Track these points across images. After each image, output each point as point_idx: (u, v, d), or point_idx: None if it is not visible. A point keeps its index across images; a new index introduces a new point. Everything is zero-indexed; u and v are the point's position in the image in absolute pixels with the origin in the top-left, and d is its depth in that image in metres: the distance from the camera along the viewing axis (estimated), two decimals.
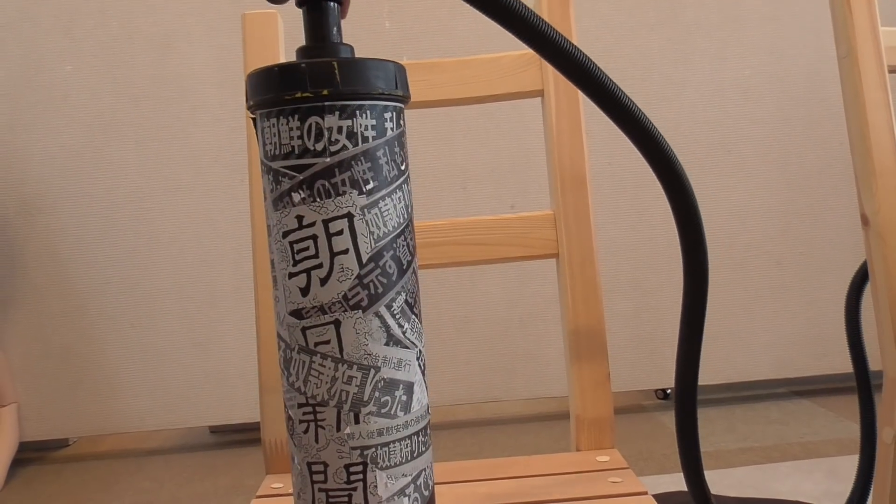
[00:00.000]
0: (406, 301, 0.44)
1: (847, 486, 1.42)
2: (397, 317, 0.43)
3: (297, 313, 0.43)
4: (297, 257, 0.42)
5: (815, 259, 1.95)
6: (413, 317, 0.45)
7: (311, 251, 0.42)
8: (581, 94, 0.72)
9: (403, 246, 0.44)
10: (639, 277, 1.90)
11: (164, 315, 1.87)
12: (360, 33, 1.82)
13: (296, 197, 0.42)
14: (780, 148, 1.92)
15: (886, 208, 0.70)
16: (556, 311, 0.73)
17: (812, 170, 1.93)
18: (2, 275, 1.85)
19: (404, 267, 0.44)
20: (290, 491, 0.64)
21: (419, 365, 0.45)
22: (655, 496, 0.59)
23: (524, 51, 0.74)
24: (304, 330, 0.43)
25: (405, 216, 0.44)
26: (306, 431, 0.43)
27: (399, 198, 0.44)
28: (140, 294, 1.86)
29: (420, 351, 0.46)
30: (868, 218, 0.71)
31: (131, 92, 1.82)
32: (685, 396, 0.61)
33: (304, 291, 0.42)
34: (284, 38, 0.74)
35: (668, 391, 2.07)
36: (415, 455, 0.45)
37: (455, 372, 1.90)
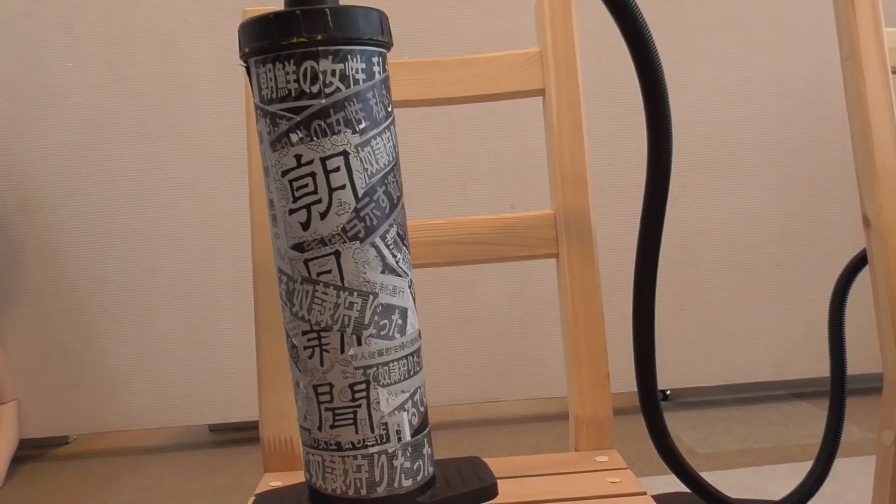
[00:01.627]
0: (398, 233, 0.48)
1: (845, 488, 1.42)
2: (391, 247, 0.47)
3: (299, 247, 0.46)
4: (297, 194, 0.45)
5: (815, 261, 1.95)
6: (404, 248, 0.48)
7: (311, 188, 0.45)
8: (582, 94, 0.72)
9: (393, 182, 0.47)
10: None
11: (163, 313, 1.87)
12: None
13: (294, 137, 0.45)
14: (780, 150, 1.92)
15: (888, 210, 0.70)
16: (555, 311, 0.73)
17: (813, 172, 1.93)
18: (1, 272, 1.85)
19: (395, 201, 0.47)
20: None
21: (411, 292, 0.49)
22: (655, 497, 0.58)
23: (525, 50, 0.74)
24: (306, 262, 0.46)
25: (393, 155, 0.48)
26: (311, 356, 0.47)
27: (388, 137, 0.47)
28: (140, 292, 1.86)
29: (411, 280, 0.49)
30: (870, 219, 0.71)
31: (132, 89, 1.82)
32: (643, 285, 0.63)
33: (305, 226, 0.46)
34: None
35: (668, 392, 2.06)
36: (411, 374, 0.49)
37: (454, 372, 1.90)
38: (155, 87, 1.82)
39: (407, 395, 0.48)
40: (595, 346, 0.69)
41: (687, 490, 0.75)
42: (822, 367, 1.96)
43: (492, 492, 0.51)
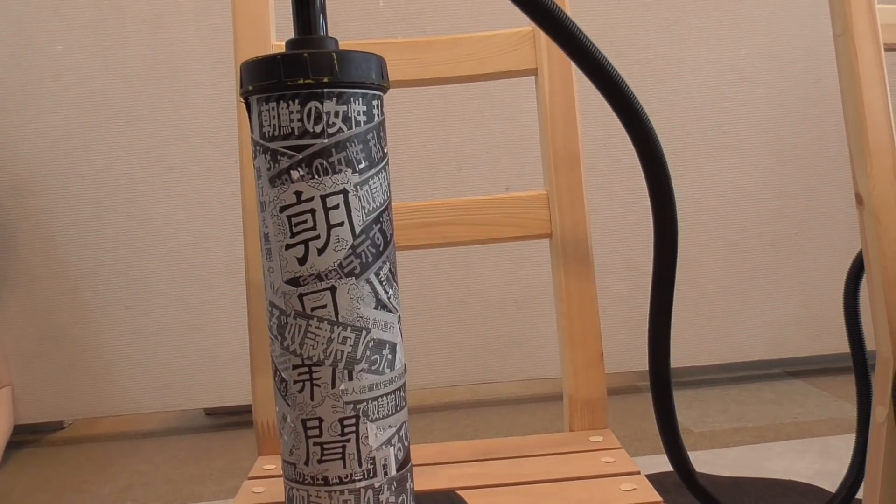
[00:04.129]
0: (390, 270, 0.49)
1: (840, 464, 1.43)
2: (384, 283, 0.48)
3: (294, 281, 0.47)
4: (296, 230, 0.46)
5: (809, 240, 1.95)
6: (395, 284, 0.50)
7: (310, 223, 0.46)
8: (575, 73, 0.71)
9: (387, 221, 0.49)
10: (633, 259, 1.89)
11: (157, 297, 1.86)
12: (354, 12, 1.80)
13: (294, 174, 0.46)
14: (775, 128, 1.92)
15: (881, 188, 0.70)
16: (550, 293, 0.73)
17: (807, 151, 1.93)
18: None
19: (388, 239, 0.49)
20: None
21: (399, 328, 0.50)
22: (649, 476, 0.59)
23: (517, 28, 0.73)
24: (301, 296, 0.47)
25: (387, 195, 0.49)
26: (301, 390, 0.47)
27: (383, 178, 0.48)
28: (133, 276, 1.86)
29: (399, 316, 0.50)
30: (862, 197, 0.70)
31: (123, 72, 1.80)
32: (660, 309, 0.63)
33: (302, 261, 0.46)
34: (276, 17, 0.73)
35: None
36: (398, 409, 0.49)
37: (450, 353, 1.90)
38: (146, 69, 1.80)
39: (394, 429, 0.49)
40: (589, 326, 0.69)
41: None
42: (816, 346, 1.97)
43: None
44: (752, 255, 1.95)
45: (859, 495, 0.79)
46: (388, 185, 0.49)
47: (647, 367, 1.94)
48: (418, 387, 1.91)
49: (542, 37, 0.72)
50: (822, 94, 1.90)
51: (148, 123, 1.82)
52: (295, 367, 0.47)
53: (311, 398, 0.47)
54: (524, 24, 0.74)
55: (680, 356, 1.96)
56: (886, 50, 0.71)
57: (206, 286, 1.86)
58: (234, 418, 1.98)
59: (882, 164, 0.70)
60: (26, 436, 1.93)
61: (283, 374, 0.48)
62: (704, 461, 1.47)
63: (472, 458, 0.65)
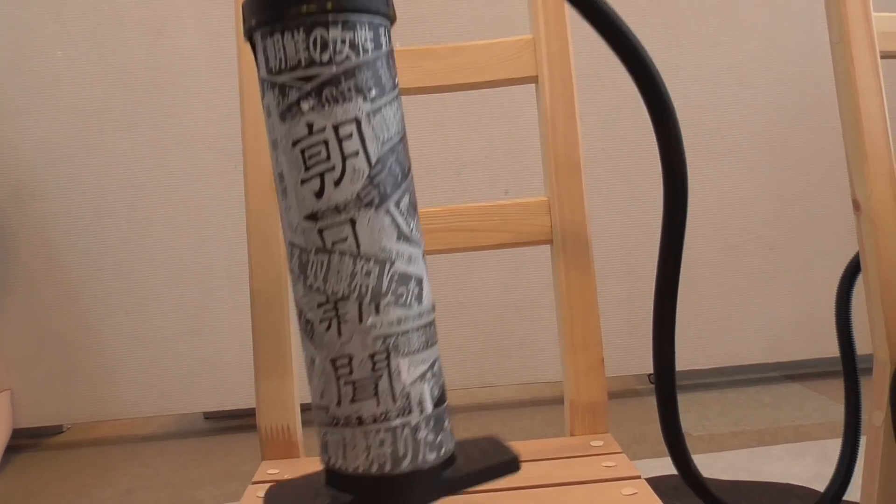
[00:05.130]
0: (410, 201, 0.47)
1: None
2: (405, 215, 0.46)
3: (313, 216, 0.45)
4: (309, 163, 0.45)
5: (807, 244, 1.96)
6: (417, 217, 0.48)
7: (323, 155, 0.45)
8: (575, 80, 0.72)
9: (403, 152, 0.47)
10: (632, 263, 1.90)
11: (158, 302, 1.87)
12: None
13: (305, 106, 0.44)
14: (772, 133, 1.93)
15: (878, 193, 0.70)
16: (550, 297, 0.73)
17: (805, 154, 1.94)
18: None
19: (406, 171, 0.47)
20: (287, 476, 0.64)
21: (424, 263, 0.48)
22: (648, 480, 0.59)
23: (518, 37, 0.74)
24: (321, 231, 0.45)
25: (401, 126, 0.48)
26: (328, 329, 0.46)
27: (396, 108, 0.47)
28: (134, 281, 1.86)
29: (423, 251, 0.49)
30: (860, 203, 0.71)
31: (123, 78, 1.81)
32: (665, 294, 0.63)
33: (319, 195, 0.45)
34: None
35: None
36: (429, 344, 0.47)
37: (449, 357, 1.91)
38: (146, 75, 1.81)
39: (427, 365, 0.47)
40: (590, 331, 0.70)
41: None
42: (814, 349, 1.97)
43: (514, 465, 0.50)
44: (751, 258, 1.96)
45: (850, 496, 0.80)
46: (402, 116, 0.48)
47: (645, 371, 1.96)
48: None
49: (543, 44, 0.72)
50: (819, 99, 1.91)
51: (148, 129, 1.83)
52: (320, 304, 0.46)
53: (339, 335, 0.45)
54: (524, 32, 0.75)
55: (678, 359, 1.95)
56: (883, 57, 0.71)
57: (206, 291, 1.86)
58: (234, 422, 1.99)
59: (879, 170, 0.71)
60: (26, 440, 1.94)
61: (308, 316, 0.47)
62: (703, 464, 1.47)
63: None
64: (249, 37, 0.47)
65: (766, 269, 1.96)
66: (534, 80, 0.73)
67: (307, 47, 0.44)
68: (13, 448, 1.85)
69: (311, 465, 0.68)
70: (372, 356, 0.45)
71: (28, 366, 1.87)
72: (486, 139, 1.87)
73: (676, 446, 0.68)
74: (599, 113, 1.83)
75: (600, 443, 0.67)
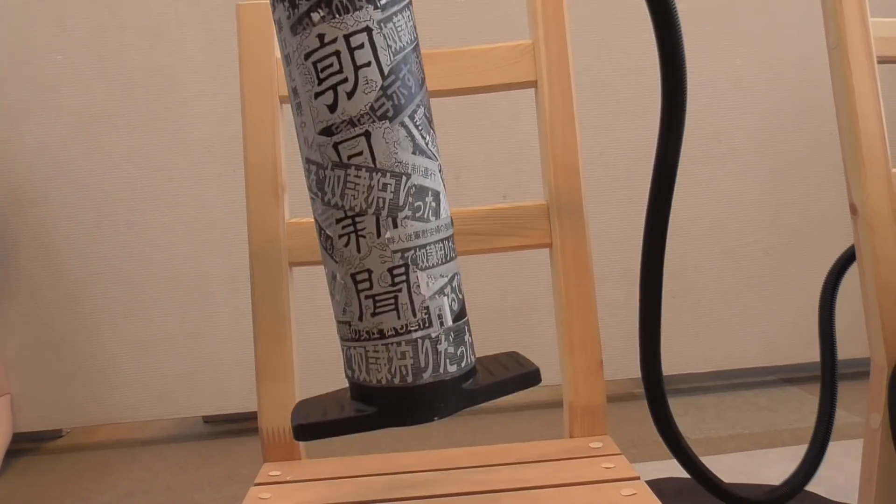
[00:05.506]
0: (425, 115, 0.47)
1: (835, 471, 1.44)
2: (420, 128, 0.46)
3: (328, 130, 0.45)
4: (322, 75, 0.44)
5: (804, 248, 1.96)
6: (432, 131, 0.47)
7: (336, 67, 0.44)
8: (574, 85, 0.72)
9: (417, 62, 0.46)
10: (630, 266, 1.90)
11: (157, 305, 1.87)
12: None
13: (315, 16, 0.43)
14: (770, 137, 1.93)
15: (875, 198, 0.71)
16: (548, 300, 0.74)
17: (802, 159, 1.94)
18: None
19: (420, 82, 0.46)
20: (289, 478, 0.65)
21: (441, 177, 0.48)
22: (648, 482, 0.59)
23: (518, 42, 0.74)
24: (336, 145, 0.45)
25: (415, 35, 0.47)
26: (347, 244, 0.46)
27: (409, 16, 0.46)
28: (133, 284, 1.86)
29: (440, 165, 0.48)
30: (857, 207, 0.72)
31: (123, 81, 1.81)
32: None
33: (332, 108, 0.44)
34: None
35: None
36: (448, 258, 0.48)
37: None
38: (146, 78, 1.81)
39: (446, 279, 0.47)
40: (589, 333, 0.70)
41: (680, 476, 0.76)
42: (811, 353, 1.97)
43: (535, 377, 0.51)
44: (748, 262, 1.96)
45: (837, 498, 0.81)
46: (414, 25, 0.47)
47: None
48: None
49: (542, 49, 0.73)
50: (816, 103, 1.91)
51: (148, 132, 1.83)
52: (338, 220, 0.46)
53: (358, 250, 0.45)
54: (523, 34, 0.75)
55: (676, 363, 1.97)
56: (879, 62, 0.72)
57: (206, 295, 1.87)
58: (233, 426, 1.99)
59: (876, 175, 0.71)
60: (25, 444, 1.94)
61: (327, 231, 0.46)
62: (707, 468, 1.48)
63: (475, 464, 0.66)
64: None
65: (763, 273, 1.97)
66: (533, 84, 0.74)
67: None
68: (13, 452, 1.85)
69: (313, 466, 0.69)
70: (391, 270, 0.45)
71: (28, 370, 1.87)
72: (485, 143, 1.87)
73: (676, 445, 0.69)
74: (597, 117, 1.84)
75: (599, 444, 0.67)
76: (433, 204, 0.46)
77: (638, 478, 0.60)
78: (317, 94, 0.44)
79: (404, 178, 0.45)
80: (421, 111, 0.46)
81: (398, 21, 0.45)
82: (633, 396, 1.99)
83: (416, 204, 0.45)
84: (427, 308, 0.46)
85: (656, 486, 0.68)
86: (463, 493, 0.59)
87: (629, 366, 1.87)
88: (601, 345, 0.71)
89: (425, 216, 0.46)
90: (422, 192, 0.46)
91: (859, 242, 0.72)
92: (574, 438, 0.70)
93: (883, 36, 0.72)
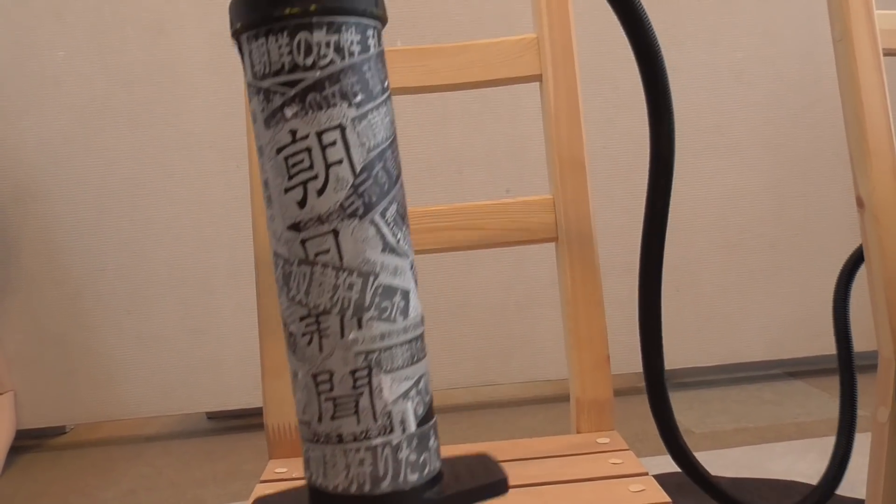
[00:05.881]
0: (398, 211, 0.46)
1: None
2: (391, 225, 0.45)
3: (296, 226, 0.44)
4: (292, 171, 0.43)
5: (808, 241, 1.96)
6: (405, 227, 0.46)
7: (307, 163, 0.43)
8: (579, 79, 0.72)
9: (392, 159, 0.46)
10: (633, 261, 1.89)
11: (160, 301, 1.87)
12: None
13: (288, 112, 0.43)
14: (773, 131, 1.93)
15: (881, 190, 0.71)
16: (551, 294, 0.74)
17: (805, 152, 1.94)
18: None
19: (394, 179, 0.46)
20: (295, 476, 0.65)
21: (412, 274, 0.47)
22: (654, 477, 0.59)
23: (522, 35, 0.74)
24: (303, 242, 0.44)
25: (391, 131, 0.46)
26: (310, 343, 0.45)
27: (385, 112, 0.45)
28: (136, 281, 1.86)
29: (412, 262, 0.47)
30: (863, 200, 0.71)
31: (124, 77, 1.81)
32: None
33: (301, 204, 0.44)
34: None
35: None
36: (415, 360, 0.46)
37: (452, 356, 1.91)
38: (147, 74, 1.81)
39: (411, 382, 0.46)
40: (595, 328, 0.70)
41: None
42: (816, 346, 1.98)
43: (502, 486, 0.49)
44: (752, 256, 1.96)
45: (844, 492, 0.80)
46: (392, 120, 0.46)
47: None
48: None
49: (547, 43, 0.73)
50: (819, 96, 1.91)
51: (149, 128, 1.83)
52: (302, 318, 0.45)
53: (321, 350, 0.44)
54: (523, 29, 0.75)
55: (680, 357, 1.97)
56: (885, 55, 0.72)
57: (209, 290, 1.87)
58: (237, 422, 1.99)
59: (882, 167, 0.71)
60: (28, 441, 1.94)
61: (291, 328, 0.46)
62: (706, 462, 1.47)
63: None
64: (236, 40, 0.46)
65: (767, 267, 1.96)
66: (538, 78, 0.73)
67: (291, 51, 0.43)
68: (16, 449, 1.85)
69: None
70: (353, 372, 0.44)
71: (30, 367, 1.87)
72: (488, 138, 1.87)
73: (672, 441, 0.69)
74: (600, 110, 1.83)
75: (606, 440, 0.67)
76: (401, 303, 0.45)
77: (646, 473, 0.60)
78: (287, 190, 0.44)
79: (371, 277, 0.44)
80: (393, 208, 0.45)
81: (373, 117, 0.44)
82: (638, 391, 1.99)
83: (382, 304, 0.44)
84: (389, 413, 0.45)
85: (661, 480, 0.67)
86: None
87: (633, 360, 1.87)
88: (608, 339, 0.71)
89: (392, 317, 0.45)
90: (389, 291, 0.45)
91: (866, 236, 0.72)
92: (581, 434, 0.69)
93: (888, 28, 0.72)
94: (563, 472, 0.61)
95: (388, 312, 0.45)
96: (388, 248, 0.45)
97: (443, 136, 1.86)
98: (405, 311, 0.46)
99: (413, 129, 1.84)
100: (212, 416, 2.04)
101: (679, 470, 0.73)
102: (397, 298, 0.45)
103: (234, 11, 0.45)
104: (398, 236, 0.46)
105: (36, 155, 1.82)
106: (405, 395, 0.45)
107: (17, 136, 1.81)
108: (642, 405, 2.02)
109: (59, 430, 2.02)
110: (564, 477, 0.60)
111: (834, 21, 0.73)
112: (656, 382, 0.67)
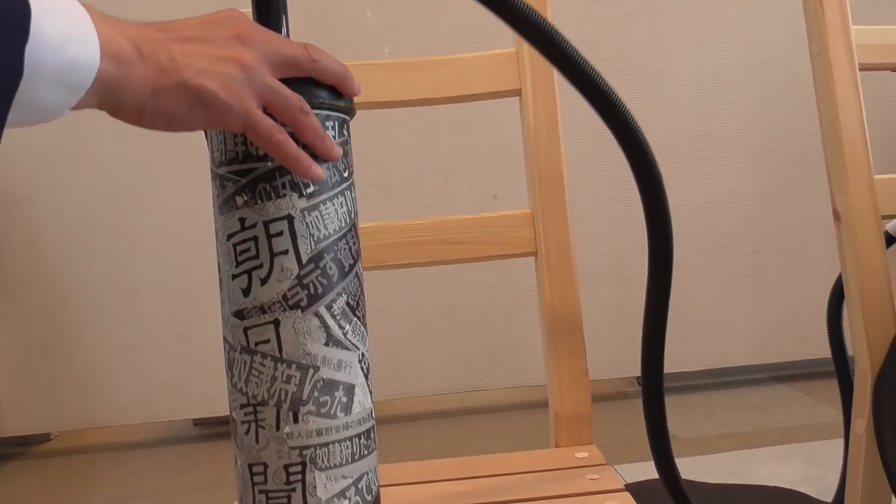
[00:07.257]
0: (347, 303, 0.45)
1: (824, 470, 1.45)
2: (338, 318, 0.44)
3: (240, 314, 0.44)
4: (240, 258, 0.44)
5: (792, 246, 1.97)
6: (355, 319, 0.45)
7: (252, 252, 0.43)
8: (559, 92, 0.72)
9: (345, 249, 0.45)
10: (620, 267, 1.91)
11: (145, 308, 1.86)
12: (341, 22, 1.81)
13: (239, 200, 0.44)
14: (757, 136, 1.94)
15: (857, 204, 0.71)
16: (536, 301, 0.74)
17: (789, 158, 1.95)
18: None
19: (346, 270, 0.45)
20: None
21: (361, 368, 0.46)
22: (635, 484, 0.60)
23: (503, 50, 0.74)
24: (245, 330, 0.44)
25: (347, 220, 0.45)
26: (247, 432, 0.44)
27: (341, 203, 0.45)
28: (121, 288, 1.86)
29: (363, 354, 0.46)
30: (840, 213, 0.72)
31: None
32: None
33: (246, 292, 0.44)
34: None
35: None
36: (356, 457, 0.45)
37: (438, 361, 1.91)
38: None
39: (349, 480, 0.44)
40: (574, 342, 0.70)
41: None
42: (800, 350, 1.99)
43: None
44: (737, 261, 1.97)
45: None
46: (349, 210, 0.45)
47: (633, 374, 1.96)
48: (407, 395, 1.91)
49: (527, 57, 0.73)
50: (803, 102, 1.92)
51: (135, 134, 1.81)
52: (241, 406, 0.44)
53: (257, 441, 0.44)
54: (508, 42, 0.75)
55: (665, 362, 1.97)
56: (861, 69, 0.72)
57: (194, 297, 1.86)
58: (223, 428, 1.98)
59: (858, 181, 0.71)
60: (13, 448, 1.93)
61: (233, 414, 0.45)
62: (691, 468, 1.48)
63: (460, 475, 0.66)
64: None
65: (751, 272, 1.97)
66: (517, 93, 0.74)
67: (245, 141, 0.43)
68: (0, 457, 1.84)
69: None
70: (286, 467, 0.43)
71: (14, 373, 1.86)
72: (475, 144, 1.87)
73: (662, 452, 0.69)
74: (586, 117, 1.83)
75: (585, 454, 0.67)
76: (344, 399, 0.44)
77: (623, 489, 0.60)
78: (234, 276, 0.44)
79: (311, 370, 0.43)
80: (342, 300, 0.45)
81: (326, 209, 0.44)
82: (624, 396, 2.00)
83: (322, 399, 0.44)
84: None
85: (638, 488, 0.68)
86: None
87: (619, 365, 1.89)
88: (590, 345, 0.71)
89: (332, 412, 0.44)
90: (331, 386, 0.44)
91: (842, 248, 0.72)
92: (560, 448, 0.70)
93: (865, 43, 0.73)
94: (540, 489, 0.61)
95: (327, 407, 0.44)
96: (332, 341, 0.44)
97: (430, 142, 1.86)
98: (347, 407, 0.44)
99: (400, 135, 1.84)
100: (198, 422, 2.03)
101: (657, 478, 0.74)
102: (339, 393, 0.44)
103: None
104: (345, 329, 0.45)
105: (19, 160, 1.81)
106: (342, 494, 0.44)
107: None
108: (628, 410, 2.03)
109: (44, 438, 2.01)
110: (543, 493, 0.60)
111: (812, 36, 0.74)
112: (660, 435, 0.67)
